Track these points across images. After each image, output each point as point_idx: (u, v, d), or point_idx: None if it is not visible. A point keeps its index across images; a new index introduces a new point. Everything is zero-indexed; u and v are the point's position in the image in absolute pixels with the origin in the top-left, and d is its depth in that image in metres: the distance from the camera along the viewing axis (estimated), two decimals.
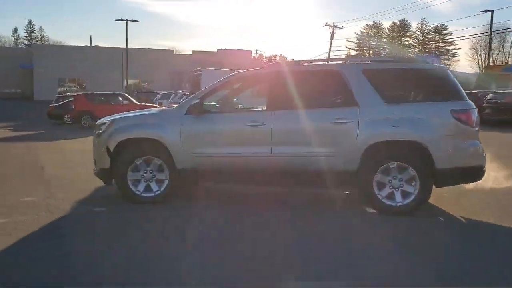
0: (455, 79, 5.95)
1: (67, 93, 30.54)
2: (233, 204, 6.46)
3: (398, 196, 5.69)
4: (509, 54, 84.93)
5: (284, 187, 6.57)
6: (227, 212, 5.96)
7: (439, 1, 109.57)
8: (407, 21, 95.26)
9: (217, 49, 63.22)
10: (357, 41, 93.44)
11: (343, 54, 77.55)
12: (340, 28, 58.80)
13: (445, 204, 6.24)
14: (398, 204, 5.68)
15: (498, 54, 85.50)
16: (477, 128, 5.79)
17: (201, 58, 53.29)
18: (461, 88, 5.91)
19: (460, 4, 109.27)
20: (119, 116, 6.60)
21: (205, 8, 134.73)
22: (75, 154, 11.19)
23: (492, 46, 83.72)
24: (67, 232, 5.18)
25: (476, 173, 5.75)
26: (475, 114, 5.78)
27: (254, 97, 16.06)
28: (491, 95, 20.18)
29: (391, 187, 5.71)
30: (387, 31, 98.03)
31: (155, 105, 19.16)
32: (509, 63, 73.29)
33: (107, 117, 6.92)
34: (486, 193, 6.77)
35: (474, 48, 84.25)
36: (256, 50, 68.27)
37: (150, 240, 4.92)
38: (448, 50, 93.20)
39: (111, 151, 6.25)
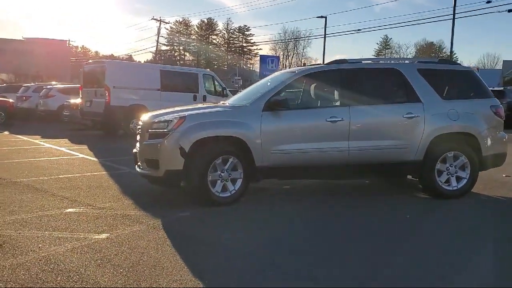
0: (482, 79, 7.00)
1: None
2: (311, 197, 6.57)
3: (453, 181, 6.52)
4: (302, 56, 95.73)
5: (359, 179, 6.90)
6: (313, 209, 6.08)
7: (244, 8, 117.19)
8: (214, 20, 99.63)
9: (24, 37, 55.64)
10: (168, 36, 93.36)
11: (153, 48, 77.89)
12: (167, 23, 58.81)
13: None
14: (454, 188, 6.51)
15: (293, 55, 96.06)
16: (503, 121, 6.92)
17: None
18: (488, 87, 6.98)
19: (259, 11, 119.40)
20: (189, 113, 6.04)
21: None
22: None
23: (288, 48, 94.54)
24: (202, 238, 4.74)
25: (504, 158, 6.90)
26: (503, 109, 6.92)
27: None
28: None
29: (448, 173, 6.50)
30: (196, 29, 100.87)
31: None
32: (307, 64, 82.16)
33: (161, 113, 6.29)
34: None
35: (274, 49, 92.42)
36: (69, 40, 63.39)
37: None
38: (251, 50, 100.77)
39: (186, 151, 5.76)
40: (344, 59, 6.62)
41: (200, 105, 7.00)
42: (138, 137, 6.56)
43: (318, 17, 44.75)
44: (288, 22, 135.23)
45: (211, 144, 5.83)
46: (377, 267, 4.07)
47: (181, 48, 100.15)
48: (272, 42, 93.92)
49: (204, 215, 5.59)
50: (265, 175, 6.16)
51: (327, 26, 44.22)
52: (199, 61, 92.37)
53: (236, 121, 5.97)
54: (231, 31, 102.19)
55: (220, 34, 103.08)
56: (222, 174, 5.88)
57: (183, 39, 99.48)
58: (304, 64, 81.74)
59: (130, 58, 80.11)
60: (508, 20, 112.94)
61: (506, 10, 29.64)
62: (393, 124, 6.37)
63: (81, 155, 10.51)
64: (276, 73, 7.41)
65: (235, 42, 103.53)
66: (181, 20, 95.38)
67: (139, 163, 6.41)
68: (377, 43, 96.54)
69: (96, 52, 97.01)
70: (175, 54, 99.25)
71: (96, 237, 4.67)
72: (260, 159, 5.96)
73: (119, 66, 15.79)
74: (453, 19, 30.33)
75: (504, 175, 8.11)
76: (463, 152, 6.48)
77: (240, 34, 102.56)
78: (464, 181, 6.52)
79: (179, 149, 5.75)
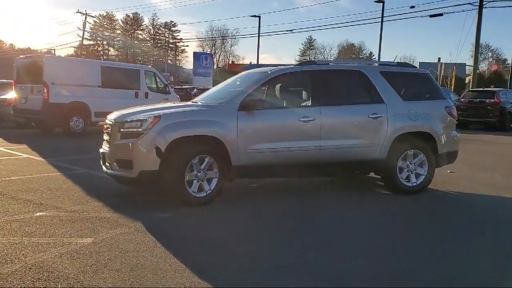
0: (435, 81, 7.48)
1: None
2: (278, 195, 6.67)
3: (413, 177, 6.93)
4: (230, 54, 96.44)
5: (328, 176, 7.08)
6: (284, 204, 6.21)
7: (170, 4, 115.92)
8: (139, 14, 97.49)
9: None
10: (90, 30, 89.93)
11: (76, 43, 74.86)
12: (93, 16, 56.76)
13: None
14: (413, 184, 6.92)
15: (221, 52, 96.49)
16: (456, 121, 7.43)
17: None
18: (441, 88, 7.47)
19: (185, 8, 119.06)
20: (164, 112, 5.92)
21: None
22: None
23: (216, 45, 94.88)
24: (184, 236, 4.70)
25: (456, 155, 7.42)
26: (455, 109, 7.42)
27: None
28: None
29: (408, 170, 6.90)
30: (121, 23, 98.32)
31: None
32: (235, 62, 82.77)
33: (131, 112, 6.12)
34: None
35: (201, 46, 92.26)
36: None
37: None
38: (178, 46, 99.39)
39: (162, 151, 5.67)
40: (312, 61, 6.83)
41: (170, 104, 6.89)
42: (105, 137, 6.36)
43: (251, 16, 45.12)
44: (215, 20, 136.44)
45: (187, 143, 5.78)
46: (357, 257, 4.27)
47: (105, 43, 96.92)
48: (199, 39, 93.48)
49: (183, 215, 5.54)
50: (240, 174, 6.20)
51: (259, 25, 44.44)
52: (125, 56, 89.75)
53: (213, 120, 5.96)
54: (157, 26, 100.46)
55: (146, 30, 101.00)
56: (198, 174, 5.85)
57: (107, 34, 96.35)
58: (233, 62, 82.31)
59: (49, 52, 76.43)
60: (420, 24, 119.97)
61: (428, 16, 31.42)
62: (359, 124, 6.65)
63: (24, 155, 9.94)
64: (245, 73, 7.46)
65: (162, 38, 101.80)
66: (105, 14, 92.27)
67: (107, 163, 6.21)
68: (302, 44, 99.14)
69: (11, 45, 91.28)
70: (99, 49, 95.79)
71: (81, 241, 4.49)
72: (236, 159, 5.99)
73: (58, 61, 14.99)
74: (381, 22, 31.88)
75: (448, 171, 8.69)
76: (422, 150, 6.90)
77: (167, 30, 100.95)
78: (423, 177, 6.95)
79: (154, 149, 5.64)
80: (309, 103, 6.58)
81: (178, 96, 18.33)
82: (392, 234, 5.17)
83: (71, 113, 14.17)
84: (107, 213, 5.49)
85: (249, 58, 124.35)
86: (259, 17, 43.98)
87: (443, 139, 7.05)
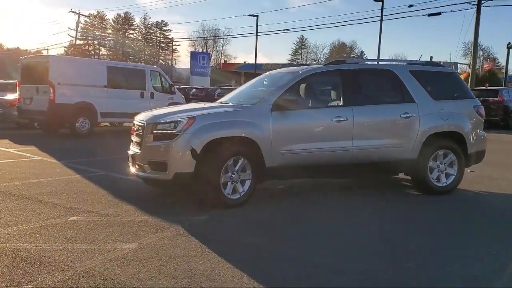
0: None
1: None
2: (302, 196, 6.56)
3: (443, 177, 6.85)
4: (221, 53, 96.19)
5: (359, 177, 6.99)
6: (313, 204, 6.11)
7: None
8: (130, 14, 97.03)
9: None
10: (81, 30, 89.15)
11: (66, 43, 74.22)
12: (86, 16, 56.31)
13: None
14: (444, 184, 6.85)
15: (212, 52, 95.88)
16: (483, 120, 7.37)
17: None
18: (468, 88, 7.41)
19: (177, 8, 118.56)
20: (198, 113, 5.78)
21: None
22: None
23: (208, 45, 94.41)
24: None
25: (483, 155, 7.36)
26: (483, 109, 7.36)
27: None
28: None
29: (438, 170, 6.82)
30: (112, 23, 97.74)
31: None
32: (227, 61, 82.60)
33: (162, 113, 5.99)
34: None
35: (193, 46, 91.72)
36: None
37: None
38: (169, 45, 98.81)
39: (198, 152, 5.54)
40: (342, 60, 6.72)
41: (201, 105, 6.74)
42: (134, 138, 6.21)
43: (249, 15, 44.82)
44: (206, 20, 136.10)
45: (222, 145, 5.66)
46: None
47: (95, 42, 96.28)
48: (190, 39, 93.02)
49: (220, 218, 5.41)
50: (273, 176, 6.09)
51: (256, 24, 44.29)
52: (117, 55, 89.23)
53: (247, 121, 5.83)
54: (148, 26, 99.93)
55: (137, 29, 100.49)
56: (233, 175, 5.73)
57: (98, 33, 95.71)
58: (225, 61, 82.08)
59: (39, 52, 75.71)
60: (415, 23, 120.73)
61: (426, 14, 31.50)
62: (391, 124, 6.57)
63: (37, 157, 9.74)
64: (272, 73, 7.36)
65: (153, 37, 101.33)
66: (95, 13, 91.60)
67: (137, 165, 6.06)
68: (294, 43, 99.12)
69: (0, 45, 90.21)
70: (90, 49, 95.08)
71: (125, 246, 4.35)
72: (270, 160, 5.88)
73: (64, 61, 14.76)
74: (381, 20, 31.91)
75: (469, 171, 8.64)
76: (452, 150, 6.83)
77: (158, 29, 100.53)
78: (452, 177, 6.89)
79: (190, 151, 5.51)
80: (340, 102, 6.47)
81: (183, 96, 18.16)
82: (443, 237, 5.08)
83: (77, 113, 13.96)
84: (142, 217, 5.35)
85: (241, 58, 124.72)
86: (257, 16, 43.66)
87: (472, 139, 6.99)
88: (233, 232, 4.93)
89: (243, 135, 5.75)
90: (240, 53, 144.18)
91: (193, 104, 7.18)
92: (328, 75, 6.62)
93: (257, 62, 47.29)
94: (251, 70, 54.90)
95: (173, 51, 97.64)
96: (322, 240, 4.78)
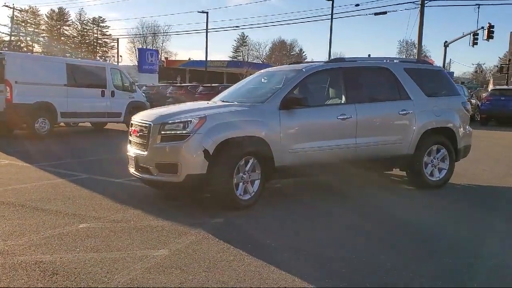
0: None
1: None
2: (301, 195, 6.53)
3: (436, 172, 7.06)
4: (162, 50, 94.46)
5: (360, 174, 7.03)
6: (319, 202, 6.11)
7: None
8: (65, 9, 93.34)
9: None
10: (12, 25, 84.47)
11: None
12: (21, 10, 53.54)
13: None
14: (437, 178, 7.06)
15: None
16: (469, 116, 7.66)
17: None
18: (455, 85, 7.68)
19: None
20: (208, 113, 5.57)
21: None
22: None
23: (147, 42, 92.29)
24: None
25: (469, 149, 7.65)
26: (469, 105, 7.65)
27: None
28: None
29: (432, 165, 7.02)
30: (46, 19, 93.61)
31: None
32: (168, 58, 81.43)
33: (171, 113, 5.74)
34: None
35: (132, 42, 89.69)
36: None
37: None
38: (107, 42, 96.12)
39: (211, 153, 5.36)
40: (341, 58, 6.75)
41: (204, 104, 6.51)
42: (135, 139, 5.93)
43: (199, 12, 44.17)
44: (147, 16, 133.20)
45: (234, 145, 5.52)
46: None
47: (28, 39, 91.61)
48: (129, 36, 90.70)
49: (236, 219, 5.26)
50: (282, 175, 6.03)
51: (206, 21, 43.74)
52: (53, 53, 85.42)
53: (258, 120, 5.72)
54: (84, 22, 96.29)
55: (72, 25, 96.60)
56: (244, 176, 5.61)
57: (30, 29, 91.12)
58: (166, 58, 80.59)
59: None
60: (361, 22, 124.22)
61: (372, 13, 32.42)
62: (391, 121, 6.69)
63: (6, 161, 9.12)
64: (271, 70, 7.26)
65: (90, 34, 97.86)
66: (27, 8, 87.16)
67: (140, 168, 5.80)
68: (235, 40, 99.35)
69: None
70: (21, 45, 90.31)
71: (156, 253, 4.14)
72: (279, 159, 5.80)
73: (21, 58, 13.87)
74: (331, 19, 32.53)
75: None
76: (444, 145, 7.05)
77: (95, 26, 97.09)
78: (445, 171, 7.11)
79: (202, 152, 5.34)
80: (343, 100, 6.49)
81: (144, 94, 17.65)
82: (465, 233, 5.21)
83: (37, 114, 13.22)
84: (155, 221, 5.12)
85: (181, 55, 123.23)
86: (207, 13, 43.25)
87: (461, 134, 7.25)
88: (258, 234, 4.79)
89: (255, 134, 5.63)
90: (180, 50, 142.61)
91: (194, 103, 6.92)
92: (331, 72, 6.63)
93: (198, 59, 46.73)
94: (197, 67, 54.53)
95: (111, 48, 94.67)
96: (346, 236, 4.76)
